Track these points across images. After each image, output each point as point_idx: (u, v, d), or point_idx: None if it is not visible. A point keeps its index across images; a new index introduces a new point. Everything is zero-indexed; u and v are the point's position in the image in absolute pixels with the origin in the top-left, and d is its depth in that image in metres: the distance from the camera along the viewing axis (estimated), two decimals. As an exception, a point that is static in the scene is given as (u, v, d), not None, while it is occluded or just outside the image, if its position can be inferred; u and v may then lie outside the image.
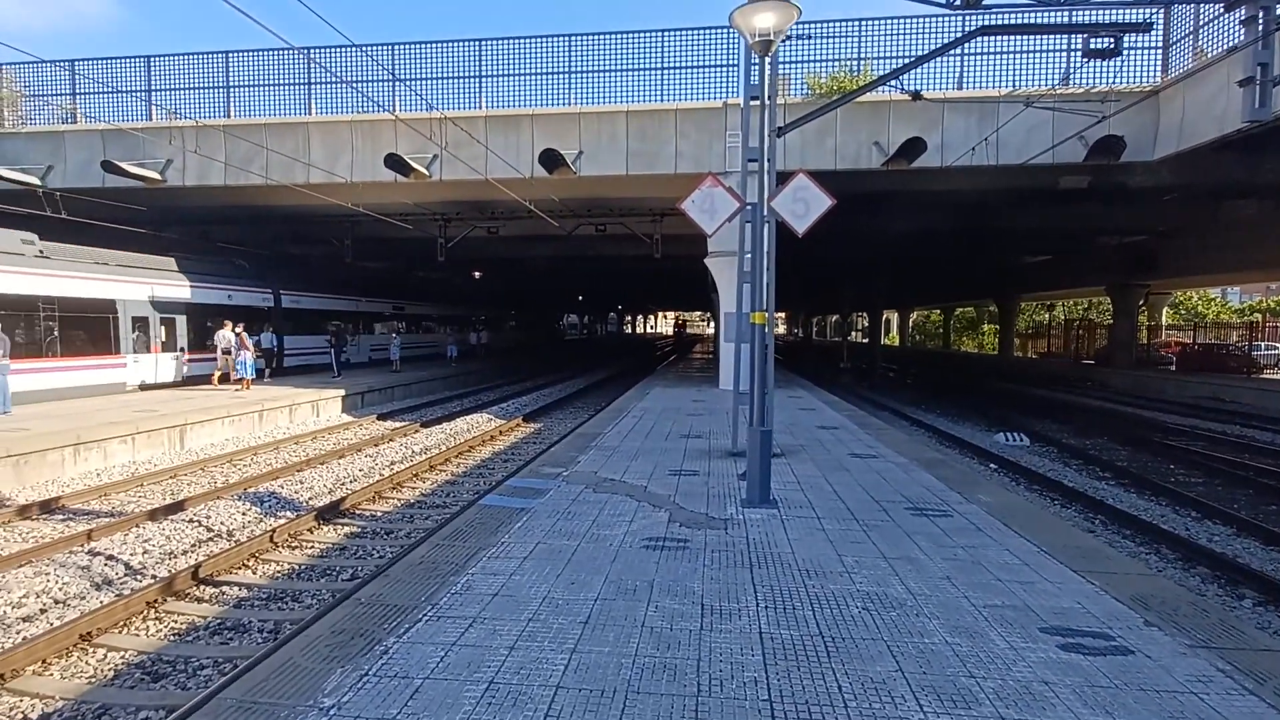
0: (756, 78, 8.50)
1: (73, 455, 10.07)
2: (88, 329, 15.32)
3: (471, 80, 16.18)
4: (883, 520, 5.62)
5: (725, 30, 15.34)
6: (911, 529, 5.38)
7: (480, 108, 16.07)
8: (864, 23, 14.79)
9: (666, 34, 15.57)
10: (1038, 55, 14.57)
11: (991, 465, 11.86)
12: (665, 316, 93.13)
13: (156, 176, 16.28)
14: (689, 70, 15.60)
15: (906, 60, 14.64)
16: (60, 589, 5.81)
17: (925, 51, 14.52)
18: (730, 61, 15.39)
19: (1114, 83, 14.08)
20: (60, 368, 14.42)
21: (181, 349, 17.78)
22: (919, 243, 23.27)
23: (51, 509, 8.32)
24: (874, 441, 9.48)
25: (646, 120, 15.28)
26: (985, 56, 14.61)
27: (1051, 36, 14.07)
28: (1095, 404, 20.43)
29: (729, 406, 12.91)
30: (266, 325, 20.48)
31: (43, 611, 5.51)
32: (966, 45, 12.16)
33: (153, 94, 17.39)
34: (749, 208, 7.16)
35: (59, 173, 16.91)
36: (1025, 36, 14.06)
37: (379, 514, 8.44)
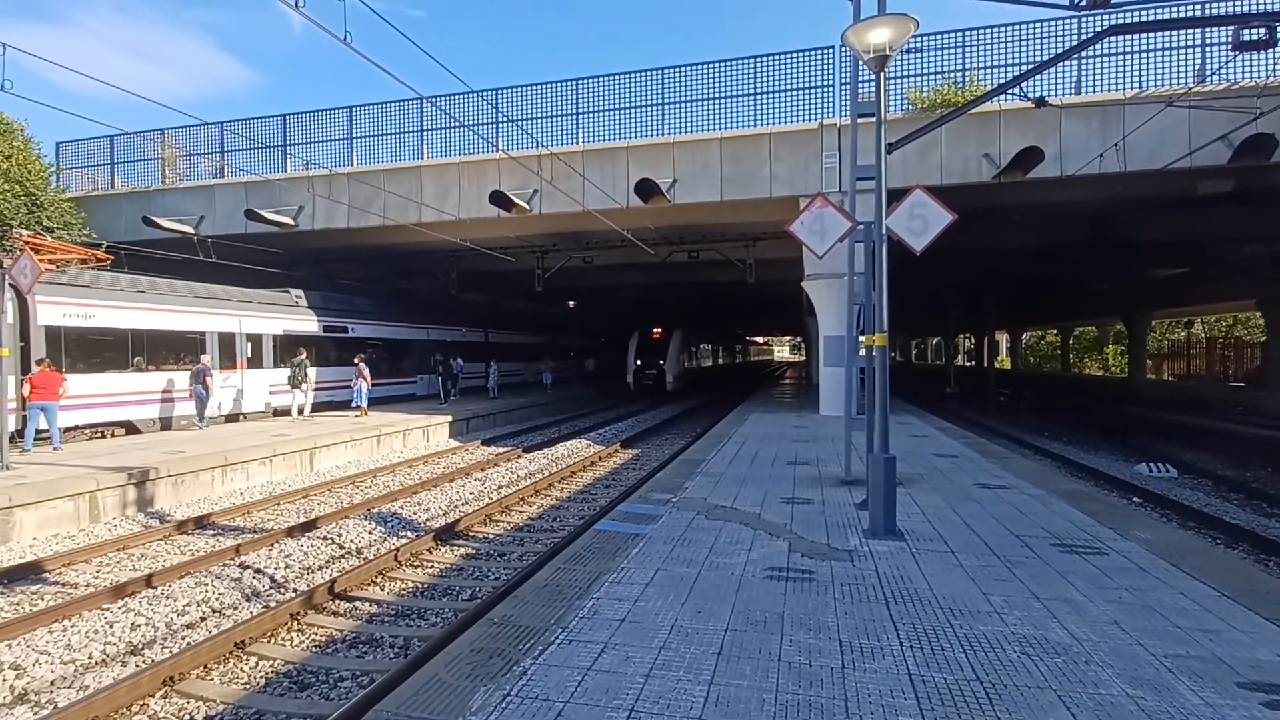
0: (863, 94, 8.34)
1: (221, 475, 11.05)
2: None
3: (570, 117, 16.85)
4: (1027, 557, 5.16)
5: (818, 52, 15.20)
6: (1063, 567, 4.91)
7: (578, 142, 16.67)
8: (969, 32, 14.24)
9: (758, 60, 15.63)
10: (1168, 53, 13.46)
11: (1134, 499, 10.74)
12: (755, 341, 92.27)
13: (290, 221, 17.91)
14: (781, 95, 15.53)
15: (1016, 69, 13.97)
16: (216, 599, 6.31)
17: (1038, 58, 13.82)
18: (824, 83, 15.21)
19: (1262, 77, 12.78)
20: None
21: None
22: (1033, 258, 21.83)
23: (204, 525, 9.13)
24: (1000, 471, 8.82)
25: (739, 146, 15.30)
26: (1108, 58, 13.65)
27: (1183, 32, 13.00)
28: (1250, 431, 18.16)
29: (834, 433, 12.52)
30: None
31: (202, 620, 6.00)
32: (1085, 47, 11.43)
33: (287, 147, 19.25)
34: (861, 227, 6.95)
35: (209, 221, 18.96)
36: (1153, 35, 13.07)
37: (491, 536, 8.68)
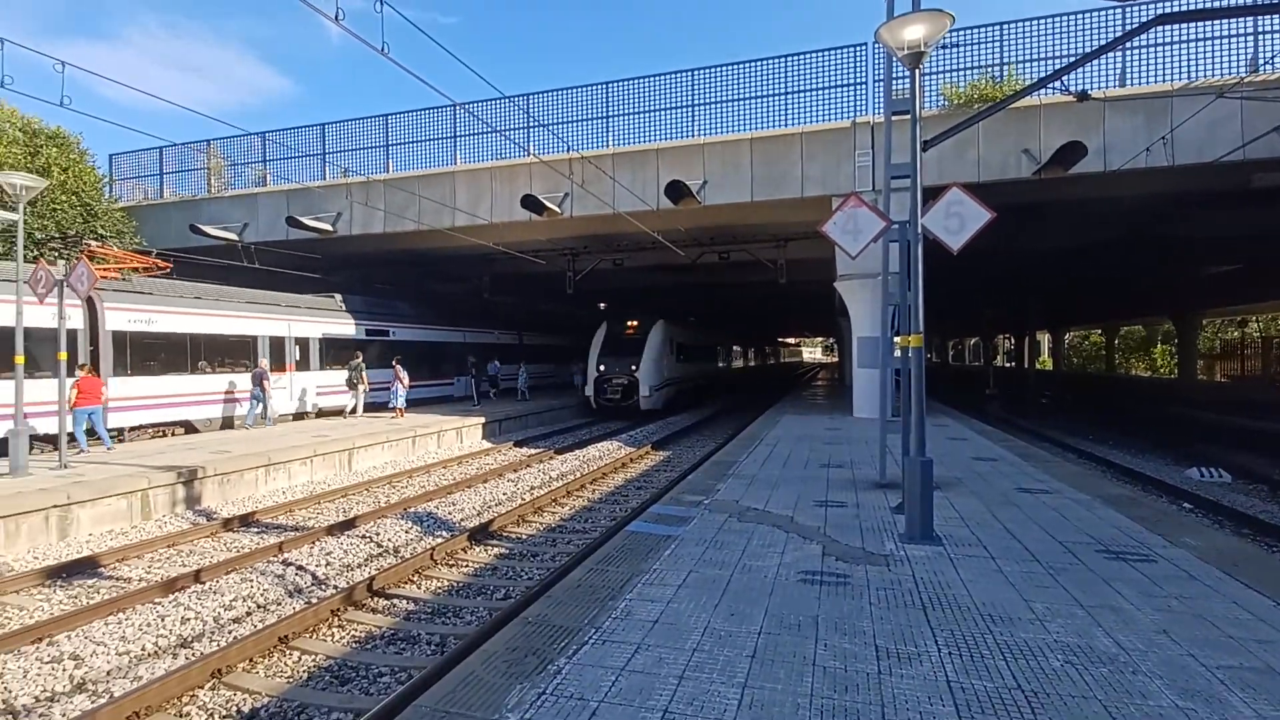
0: (897, 91, 8.22)
1: (264, 475, 11.39)
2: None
3: (600, 120, 16.96)
4: (1070, 563, 5.02)
5: (849, 50, 15.03)
6: (1108, 574, 4.76)
7: (608, 145, 16.76)
8: (1007, 26, 13.92)
9: (788, 59, 15.53)
10: (1218, 43, 12.95)
11: (1185, 505, 10.35)
12: (787, 342, 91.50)
13: (329, 228, 18.38)
14: (812, 93, 15.40)
15: (1057, 62, 13.61)
16: (261, 594, 6.51)
17: (1080, 51, 13.44)
18: (856, 81, 15.02)
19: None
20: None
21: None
22: (1074, 256, 21.21)
23: (249, 522, 9.42)
24: (1042, 475, 8.58)
25: (770, 146, 15.20)
26: (1154, 49, 13.21)
27: (1234, 21, 12.50)
28: (1313, 435, 17.32)
29: (868, 435, 12.34)
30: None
31: (248, 614, 6.19)
32: (1130, 38, 11.07)
33: (326, 156, 19.77)
34: (896, 226, 6.85)
35: (252, 229, 19.56)
36: (1201, 23, 12.60)
37: (524, 536, 8.78)
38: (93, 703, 4.60)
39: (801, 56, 15.46)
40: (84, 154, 20.05)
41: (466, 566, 7.58)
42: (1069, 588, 4.52)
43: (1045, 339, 58.01)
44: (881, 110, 14.07)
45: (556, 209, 16.14)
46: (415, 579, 7.08)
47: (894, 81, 8.09)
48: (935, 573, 4.86)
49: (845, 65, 15.13)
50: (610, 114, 16.83)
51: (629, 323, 23.32)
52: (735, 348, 43.25)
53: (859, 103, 14.97)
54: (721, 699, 3.14)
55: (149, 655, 5.31)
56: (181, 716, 4.49)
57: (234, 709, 4.64)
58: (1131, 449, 16.28)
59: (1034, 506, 6.85)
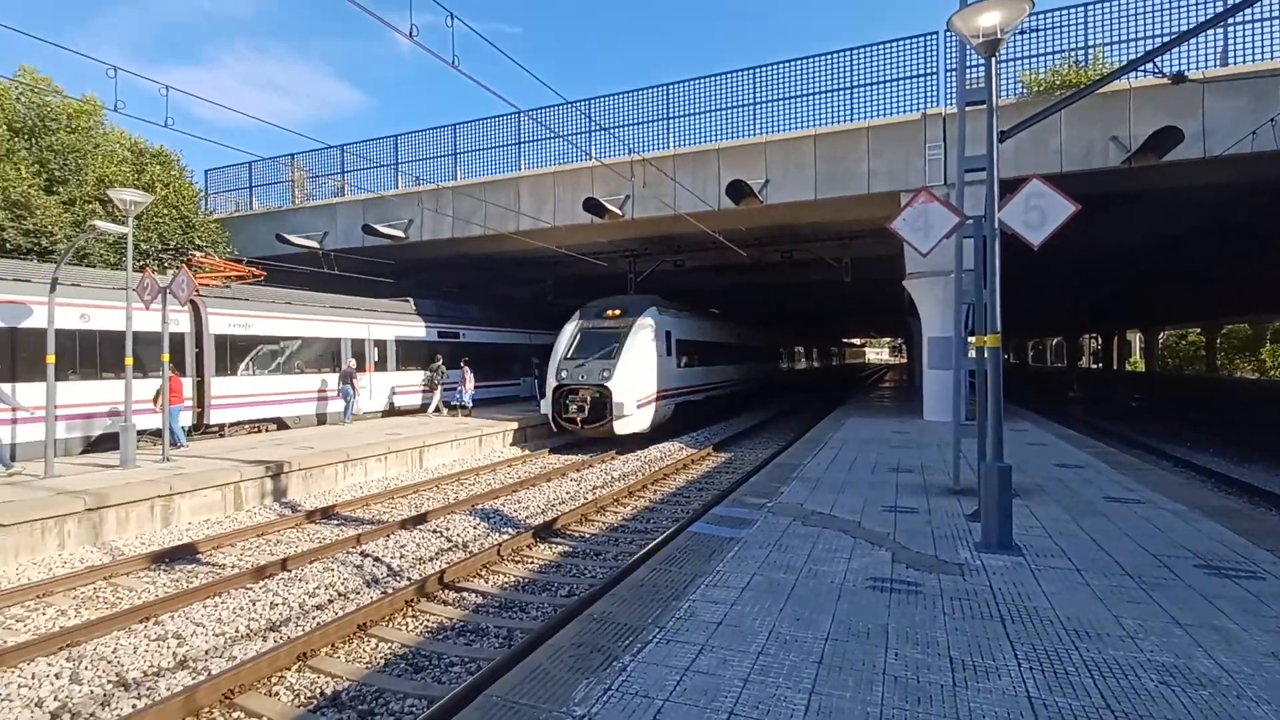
0: (971, 81, 7.89)
1: (343, 470, 11.98)
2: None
3: (660, 122, 17.01)
4: (1166, 578, 4.70)
5: (919, 40, 14.52)
6: (1210, 591, 4.43)
7: (669, 147, 16.79)
8: (1092, 6, 13.13)
9: (854, 52, 15.16)
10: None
11: (1299, 518, 9.49)
12: (852, 343, 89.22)
13: (401, 234, 19.16)
14: (880, 86, 14.98)
15: (1148, 43, 12.74)
16: (342, 583, 6.86)
17: (1174, 30, 12.54)
18: (926, 71, 14.50)
19: None
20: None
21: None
22: (1169, 249, 19.79)
23: (329, 515, 9.93)
24: (1133, 484, 8.05)
25: (835, 142, 14.86)
26: (1261, 24, 12.18)
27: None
28: None
29: (939, 439, 11.89)
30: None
31: (330, 602, 6.53)
32: (1234, 14, 10.23)
33: (399, 165, 20.63)
34: (970, 221, 6.59)
35: (332, 237, 20.62)
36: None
37: (587, 535, 8.90)
38: (193, 679, 4.96)
39: (867, 49, 15.06)
40: (183, 170, 21.65)
41: (532, 563, 7.76)
42: (1164, 604, 4.23)
43: (1137, 338, 54.32)
44: (954, 101, 13.56)
45: (618, 211, 16.28)
46: (483, 573, 7.30)
47: (968, 70, 7.76)
48: (1014, 584, 4.64)
49: (914, 56, 14.64)
50: (670, 115, 16.86)
51: (608, 311, 17.34)
52: (798, 348, 42.06)
53: (929, 94, 14.46)
54: (788, 704, 3.10)
55: (242, 637, 5.68)
56: (271, 696, 4.78)
57: (318, 691, 4.90)
58: (1235, 457, 15.05)
59: (1124, 517, 6.44)
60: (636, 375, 15.85)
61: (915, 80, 14.63)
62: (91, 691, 4.73)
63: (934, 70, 14.46)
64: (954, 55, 13.12)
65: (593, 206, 15.85)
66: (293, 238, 19.56)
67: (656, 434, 17.11)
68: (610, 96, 17.46)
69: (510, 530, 8.94)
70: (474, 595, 6.69)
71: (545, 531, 8.72)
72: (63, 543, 8.09)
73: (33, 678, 4.85)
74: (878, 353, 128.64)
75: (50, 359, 9.84)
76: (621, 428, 15.49)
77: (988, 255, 5.61)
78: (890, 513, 6.70)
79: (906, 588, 4.59)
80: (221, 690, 4.65)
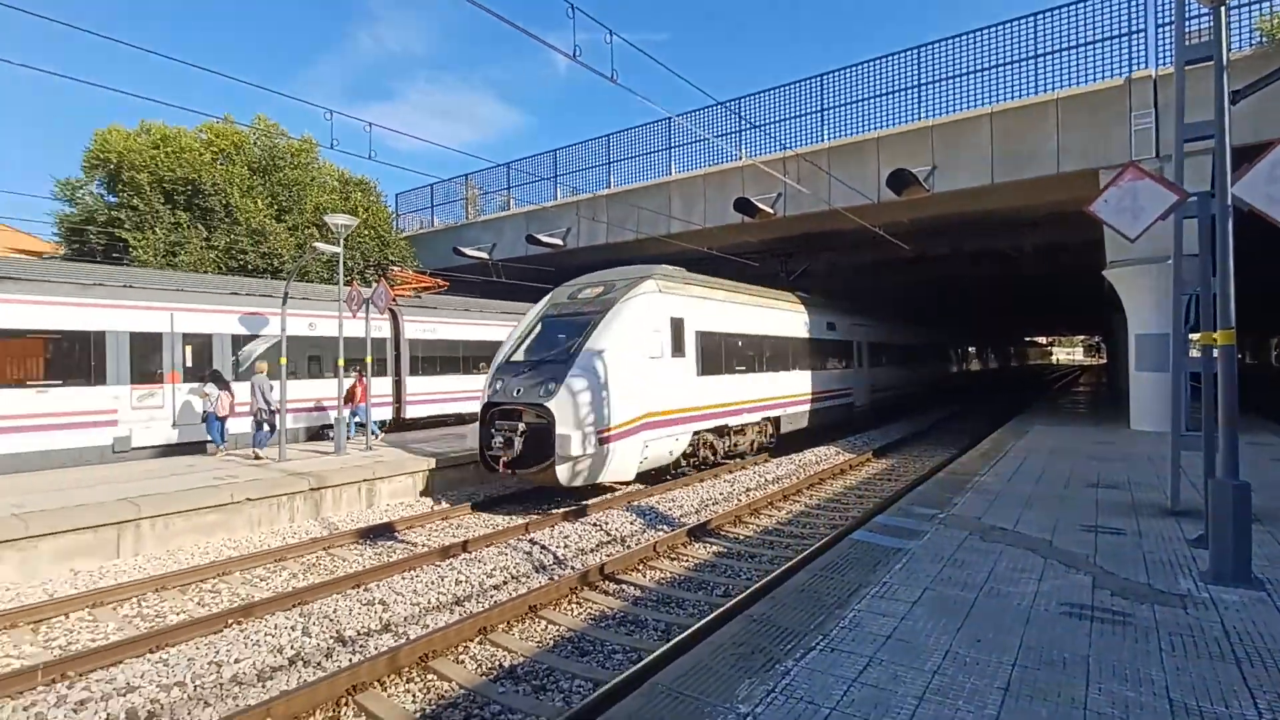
0: (1191, 35, 6.79)
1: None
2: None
3: (814, 115, 16.48)
4: None
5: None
6: None
7: (823, 140, 16.21)
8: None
9: (1038, 16, 13.63)
10: None
11: None
12: (1037, 342, 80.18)
13: (560, 243, 20.34)
14: (1070, 52, 13.34)
15: None
16: (514, 566, 7.43)
17: None
18: (1131, 29, 12.67)
19: None
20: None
21: None
22: None
23: (499, 503, 10.78)
24: None
25: (1015, 119, 13.47)
26: None
27: None
28: None
29: (1149, 451, 10.33)
30: None
31: (504, 583, 7.10)
32: None
33: (557, 178, 21.92)
34: (1193, 199, 5.67)
35: (499, 248, 22.39)
36: None
37: (740, 537, 8.86)
38: (395, 641, 5.64)
39: (1053, 13, 13.50)
40: (379, 195, 24.69)
41: (686, 561, 7.87)
42: None
43: None
44: (1167, 60, 11.77)
45: (769, 209, 16.02)
46: (640, 568, 7.53)
47: (1187, 22, 6.68)
48: (1254, 622, 3.92)
49: (1113, 14, 12.86)
50: (825, 106, 16.28)
51: (588, 289, 11.98)
52: (964, 348, 38.03)
53: (1135, 55, 12.63)
54: (970, 729, 2.88)
55: (433, 608, 6.36)
56: (458, 663, 5.30)
57: (497, 664, 5.35)
58: None
59: None
60: (602, 390, 9.94)
61: (1115, 42, 12.86)
62: (318, 644, 5.55)
63: (1141, 27, 12.62)
64: (1167, 7, 11.40)
65: (744, 206, 15.74)
66: (466, 250, 21.51)
67: (650, 482, 11.71)
68: (761, 94, 17.26)
69: (665, 528, 9.12)
70: (632, 588, 6.92)
71: (700, 531, 8.80)
72: (293, 516, 9.57)
73: (275, 628, 5.79)
74: (1068, 353, 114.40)
75: (283, 361, 11.68)
76: (570, 475, 9.67)
77: (1218, 238, 4.80)
78: (1090, 533, 5.95)
79: (1112, 617, 4.05)
80: (418, 653, 5.24)
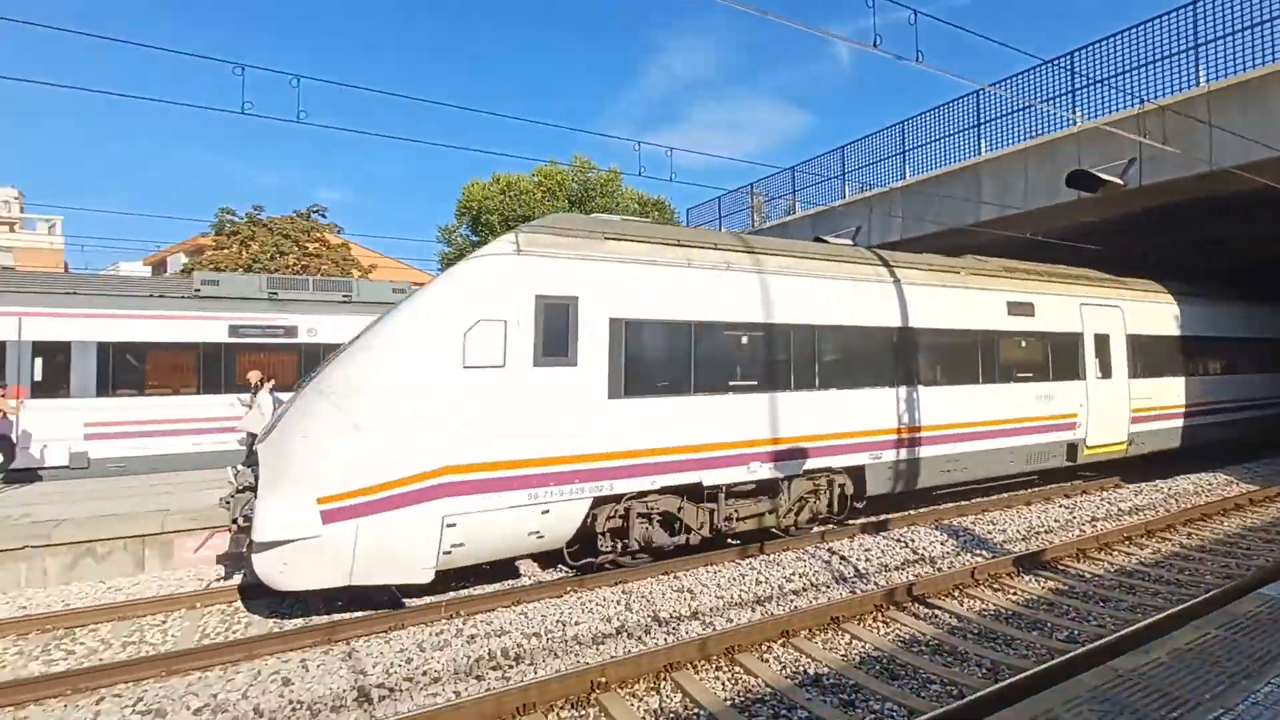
0: None
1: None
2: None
3: (1184, 54, 13.09)
4: None
5: None
6: None
7: (1199, 85, 12.77)
8: None
9: None
10: None
11: None
12: None
13: (849, 243, 19.51)
14: None
15: None
16: (813, 574, 7.35)
17: None
18: None
19: None
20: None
21: None
22: None
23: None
24: None
25: None
26: None
27: None
28: None
29: None
30: None
31: (803, 590, 7.06)
32: None
33: (845, 175, 21.11)
34: None
35: (787, 253, 22.37)
36: None
37: (1086, 575, 7.43)
38: (703, 629, 6.02)
39: None
40: (673, 212, 26.75)
41: (1013, 593, 6.90)
42: None
43: None
44: None
45: (1118, 180, 13.17)
46: (955, 594, 6.83)
47: None
48: None
49: None
50: (1201, 40, 12.81)
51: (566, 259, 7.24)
52: None
53: None
54: None
55: (735, 604, 6.63)
56: (763, 661, 5.44)
57: (799, 669, 5.35)
58: None
59: None
60: (346, 428, 6.16)
61: None
62: (638, 620, 6.20)
63: None
64: None
65: (1080, 180, 13.20)
66: (751, 258, 21.98)
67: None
68: (1103, 40, 14.26)
69: (984, 553, 8.15)
70: (947, 615, 6.31)
71: (1029, 561, 7.64)
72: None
73: (604, 600, 6.63)
74: None
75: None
76: (274, 569, 5.98)
77: None
78: None
79: None
80: (725, 644, 5.51)
